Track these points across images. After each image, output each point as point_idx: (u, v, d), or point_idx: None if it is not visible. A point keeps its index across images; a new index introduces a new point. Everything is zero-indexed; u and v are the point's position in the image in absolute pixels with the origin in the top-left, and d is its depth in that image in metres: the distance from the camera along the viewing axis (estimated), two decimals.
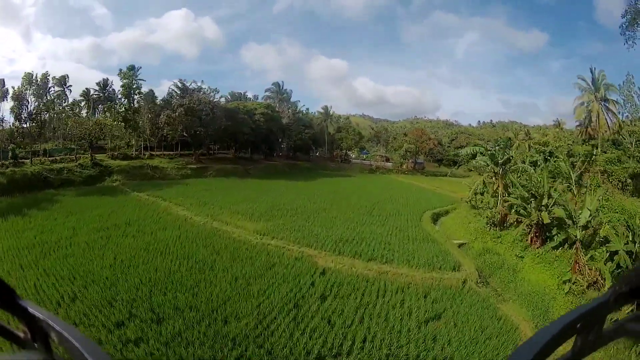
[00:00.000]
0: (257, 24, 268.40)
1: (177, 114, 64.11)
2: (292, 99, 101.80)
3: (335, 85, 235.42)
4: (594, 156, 44.67)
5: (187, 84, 70.85)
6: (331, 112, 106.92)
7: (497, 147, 45.18)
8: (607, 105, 52.98)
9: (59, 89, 79.43)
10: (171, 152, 74.61)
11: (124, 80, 67.69)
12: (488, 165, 41.37)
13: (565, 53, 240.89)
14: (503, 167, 37.74)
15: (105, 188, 48.37)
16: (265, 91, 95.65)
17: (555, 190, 31.49)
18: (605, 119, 52.68)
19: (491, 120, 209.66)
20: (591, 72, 55.08)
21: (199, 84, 71.57)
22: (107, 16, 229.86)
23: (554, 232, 27.61)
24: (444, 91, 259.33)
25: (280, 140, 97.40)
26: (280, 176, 67.79)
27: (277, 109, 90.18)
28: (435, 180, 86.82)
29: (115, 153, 66.72)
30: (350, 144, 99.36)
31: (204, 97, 66.86)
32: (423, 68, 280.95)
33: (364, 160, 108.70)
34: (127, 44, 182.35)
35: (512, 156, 42.52)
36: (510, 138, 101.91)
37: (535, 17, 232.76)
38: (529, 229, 30.44)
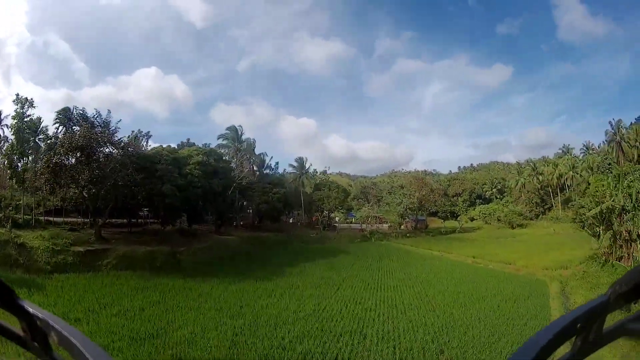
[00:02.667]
0: (224, 84, 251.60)
1: (55, 160, 37.42)
2: (258, 151, 76.28)
3: (307, 144, 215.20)
4: None
5: (89, 115, 43.93)
6: (307, 167, 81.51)
7: None
8: None
9: None
10: (79, 219, 47.43)
11: (17, 110, 41.76)
12: None
13: (530, 86, 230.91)
14: None
15: None
16: (218, 138, 69.71)
17: None
18: None
19: (471, 164, 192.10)
20: None
21: (104, 116, 44.45)
22: (84, 70, 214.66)
23: None
24: (415, 142, 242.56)
25: (242, 203, 70.17)
26: (226, 266, 39.65)
27: (231, 161, 64.00)
28: (454, 243, 60.33)
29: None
30: (334, 205, 72.87)
31: (98, 136, 39.92)
32: (391, 122, 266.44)
33: (352, 223, 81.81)
34: (100, 100, 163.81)
35: None
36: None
37: (497, 50, 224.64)
38: None
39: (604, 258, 32.92)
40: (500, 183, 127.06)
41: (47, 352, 0.70)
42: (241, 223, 68.04)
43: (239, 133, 69.39)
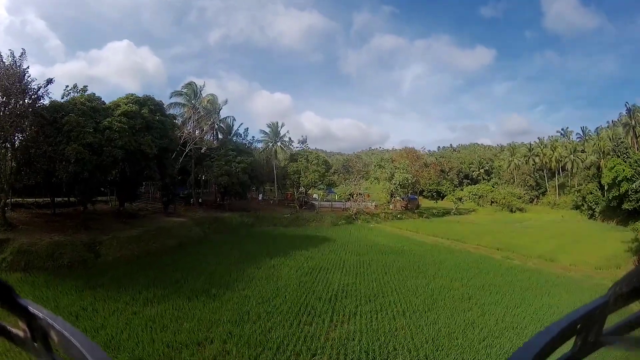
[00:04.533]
0: (195, 56, 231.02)
1: None
2: (224, 115, 61.50)
3: (281, 120, 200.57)
4: None
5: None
6: (282, 133, 67.31)
7: None
8: None
9: None
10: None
11: None
12: None
13: (511, 74, 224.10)
14: None
15: None
16: (171, 96, 54.34)
17: None
18: None
19: (451, 145, 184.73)
20: None
21: (17, 56, 28.57)
22: (58, 47, 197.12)
23: None
24: (391, 122, 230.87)
25: (202, 177, 56.24)
26: (154, 267, 25.65)
27: (186, 122, 49.74)
28: (457, 227, 48.93)
29: None
30: (313, 179, 59.54)
31: None
32: (368, 100, 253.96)
33: (334, 201, 68.97)
34: (71, 75, 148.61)
35: None
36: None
37: (480, 32, 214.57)
38: None
39: None
40: (487, 164, 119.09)
41: (47, 352, 0.67)
42: (199, 201, 54.10)
43: (198, 89, 54.23)
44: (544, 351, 0.63)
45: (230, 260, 26.74)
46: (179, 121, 50.18)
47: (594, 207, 67.35)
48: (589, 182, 73.28)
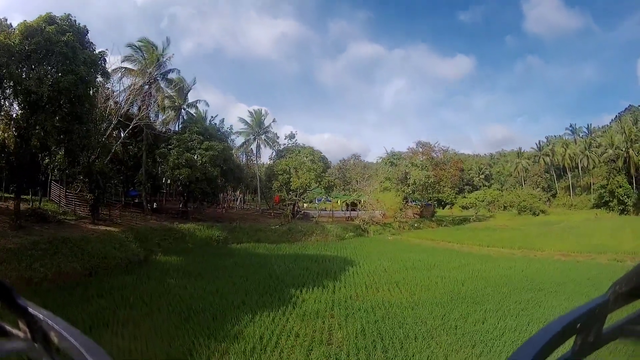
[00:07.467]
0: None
1: None
2: (193, 97, 46.45)
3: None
4: None
5: None
6: (267, 123, 52.45)
7: None
8: None
9: None
10: None
11: None
12: None
13: (491, 85, 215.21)
14: None
15: None
16: (123, 61, 38.18)
17: None
18: None
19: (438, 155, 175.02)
20: None
21: None
22: None
23: None
24: (371, 135, 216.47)
25: (156, 171, 40.67)
26: None
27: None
28: (505, 234, 35.21)
29: None
30: (308, 180, 44.72)
31: None
32: (347, 113, 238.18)
33: (335, 211, 54.07)
34: None
35: None
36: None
37: (460, 40, 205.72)
38: None
39: None
40: (487, 169, 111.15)
41: (47, 352, 0.65)
42: (154, 206, 38.68)
43: (158, 47, 38.28)
44: (544, 350, 0.61)
45: (162, 318, 11.70)
46: (123, 93, 34.95)
47: (626, 200, 61.29)
48: (615, 176, 64.69)
